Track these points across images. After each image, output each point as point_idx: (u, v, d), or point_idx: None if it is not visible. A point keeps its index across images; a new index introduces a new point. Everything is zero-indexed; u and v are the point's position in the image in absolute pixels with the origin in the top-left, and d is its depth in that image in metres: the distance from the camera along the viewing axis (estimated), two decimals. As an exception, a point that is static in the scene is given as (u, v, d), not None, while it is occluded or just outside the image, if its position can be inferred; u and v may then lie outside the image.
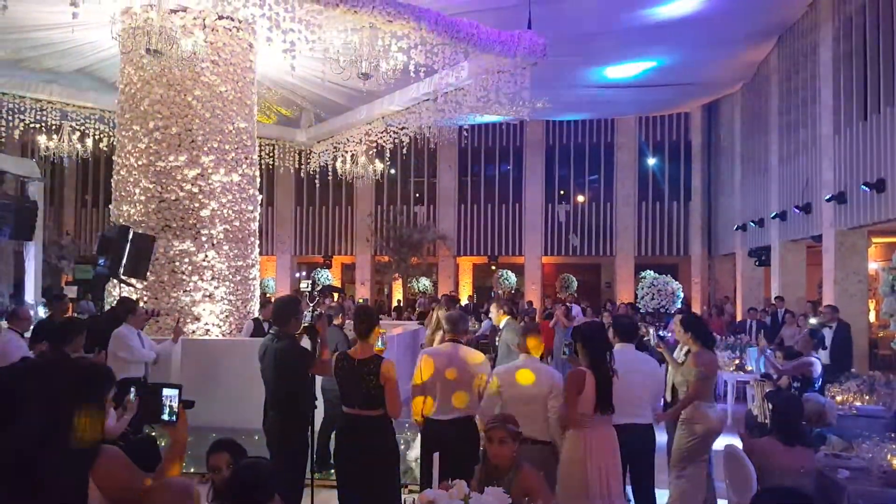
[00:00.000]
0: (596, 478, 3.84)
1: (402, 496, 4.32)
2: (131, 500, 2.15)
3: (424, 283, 21.39)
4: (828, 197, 11.20)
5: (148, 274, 8.48)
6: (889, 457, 4.21)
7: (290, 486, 4.29)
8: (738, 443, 4.58)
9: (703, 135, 20.89)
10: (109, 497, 2.07)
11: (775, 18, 13.12)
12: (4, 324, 7.46)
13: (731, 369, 9.46)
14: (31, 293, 13.47)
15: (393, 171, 21.55)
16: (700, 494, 4.78)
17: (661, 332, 7.75)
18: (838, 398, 6.25)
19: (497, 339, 7.83)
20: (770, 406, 6.18)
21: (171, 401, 2.38)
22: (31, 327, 6.57)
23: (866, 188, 9.85)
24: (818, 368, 6.50)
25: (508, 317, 7.26)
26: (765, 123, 15.07)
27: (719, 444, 5.07)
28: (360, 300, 19.68)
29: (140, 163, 9.28)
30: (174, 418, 2.38)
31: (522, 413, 4.11)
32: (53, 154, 13.57)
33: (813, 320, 9.93)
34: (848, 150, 10.88)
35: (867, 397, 6.22)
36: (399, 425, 5.17)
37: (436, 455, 3.24)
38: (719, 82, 16.92)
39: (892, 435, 4.55)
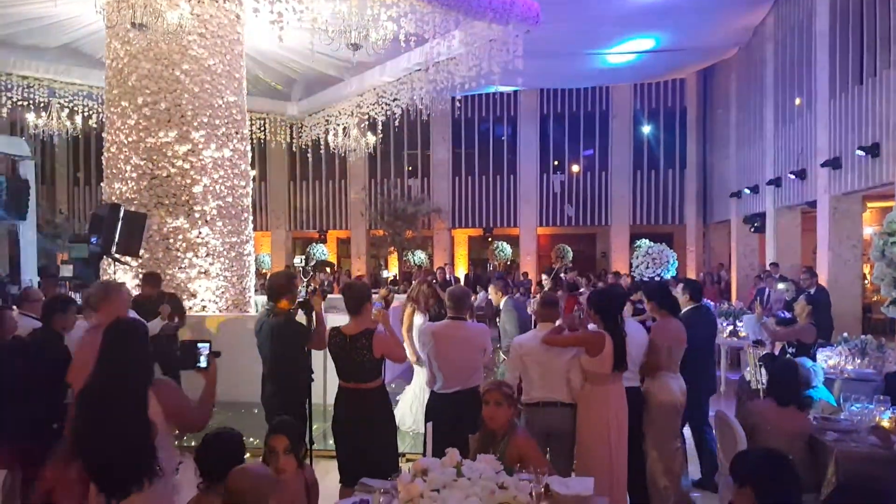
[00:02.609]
0: (614, 427, 4.15)
1: (400, 465, 4.39)
2: (183, 418, 3.04)
3: (420, 256, 21.41)
4: (822, 162, 11.18)
5: (142, 251, 8.46)
6: (877, 419, 4.27)
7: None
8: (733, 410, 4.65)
9: (698, 101, 20.76)
10: (164, 409, 2.91)
11: (771, -19, 12.97)
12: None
13: (725, 335, 9.53)
14: (27, 272, 13.46)
15: (383, 145, 21.39)
16: (674, 466, 4.77)
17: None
18: (830, 361, 6.31)
19: (498, 319, 7.86)
20: (764, 371, 6.23)
21: (204, 351, 3.15)
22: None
23: (861, 153, 9.83)
24: (813, 334, 6.51)
25: (507, 297, 7.27)
26: (760, 88, 14.97)
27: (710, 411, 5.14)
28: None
29: (130, 139, 9.19)
30: (207, 365, 3.16)
31: (546, 378, 4.28)
32: (43, 132, 13.44)
33: (781, 285, 9.96)
34: (843, 114, 10.83)
35: (859, 361, 6.27)
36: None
37: (429, 424, 3.29)
38: (714, 47, 16.76)
39: (881, 397, 4.61)
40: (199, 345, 3.12)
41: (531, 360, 4.34)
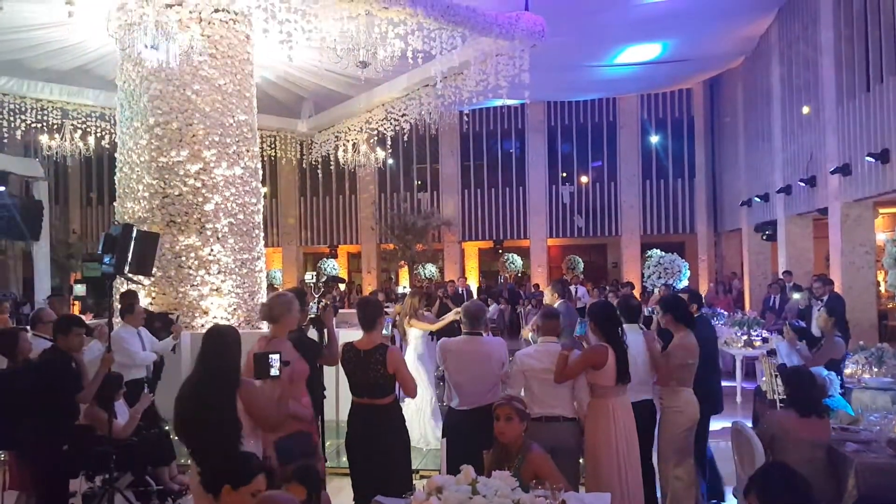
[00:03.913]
0: (622, 440, 4.15)
1: (414, 482, 4.38)
2: (260, 415, 3.34)
3: (431, 269, 21.42)
4: (832, 169, 11.13)
5: (154, 270, 8.51)
6: (896, 429, 4.22)
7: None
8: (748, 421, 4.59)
9: (705, 111, 20.74)
10: (247, 408, 3.27)
11: (775, -11, 12.98)
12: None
13: (740, 345, 9.46)
14: (40, 292, 13.57)
15: (392, 161, 21.47)
16: (692, 492, 4.69)
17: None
18: (846, 371, 6.23)
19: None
20: (780, 382, 6.15)
21: (275, 362, 3.41)
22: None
23: (871, 159, 9.78)
24: (843, 348, 6.23)
25: (562, 300, 7.27)
26: (767, 97, 14.94)
27: (726, 422, 5.07)
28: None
29: (142, 159, 9.29)
30: (278, 374, 3.41)
31: (548, 393, 4.25)
32: (56, 153, 13.59)
33: (797, 295, 9.85)
34: (852, 121, 10.79)
35: (876, 370, 6.20)
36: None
37: (443, 440, 3.28)
38: (720, 56, 16.76)
39: (901, 407, 4.55)
40: (271, 356, 3.44)
41: (533, 375, 4.31)
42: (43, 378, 4.57)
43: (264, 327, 9.70)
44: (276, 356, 3.45)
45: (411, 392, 4.20)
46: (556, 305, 7.13)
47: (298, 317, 4.18)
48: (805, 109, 12.95)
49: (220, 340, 3.37)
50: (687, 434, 4.64)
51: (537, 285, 19.06)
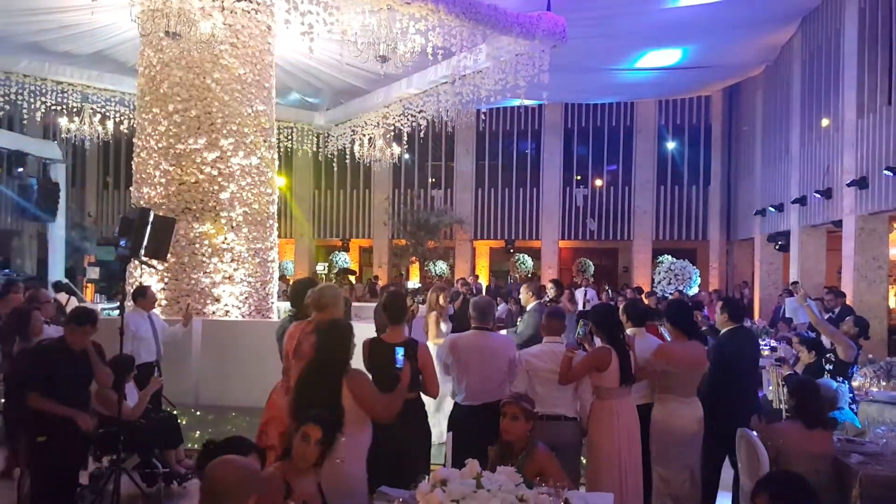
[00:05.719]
0: (625, 442, 4.17)
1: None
2: (367, 406, 3.48)
3: (441, 266, 21.44)
4: (849, 182, 11.05)
5: (169, 256, 8.60)
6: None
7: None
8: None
9: (723, 118, 20.62)
10: (354, 397, 3.44)
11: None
12: None
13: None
14: (54, 273, 13.73)
15: (407, 157, 21.50)
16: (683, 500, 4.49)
17: None
18: (854, 383, 6.20)
19: (519, 320, 7.95)
20: (786, 391, 6.12)
21: (399, 354, 3.72)
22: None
23: (889, 173, 9.71)
24: (854, 351, 5.98)
25: (537, 301, 7.28)
26: (786, 107, 14.85)
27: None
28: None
29: (160, 145, 9.37)
30: (401, 366, 3.69)
31: (551, 393, 4.26)
32: (75, 136, 13.71)
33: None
34: (871, 134, 10.71)
35: (884, 383, 6.17)
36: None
37: (449, 434, 3.30)
38: (741, 65, 16.66)
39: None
40: (397, 350, 3.75)
41: (536, 374, 4.31)
42: (33, 365, 4.45)
43: (275, 317, 9.81)
44: (402, 350, 3.70)
45: (434, 390, 4.09)
46: (530, 306, 7.15)
47: (343, 309, 4.24)
48: (824, 122, 12.85)
49: (333, 333, 3.61)
50: (672, 446, 4.41)
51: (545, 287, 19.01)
